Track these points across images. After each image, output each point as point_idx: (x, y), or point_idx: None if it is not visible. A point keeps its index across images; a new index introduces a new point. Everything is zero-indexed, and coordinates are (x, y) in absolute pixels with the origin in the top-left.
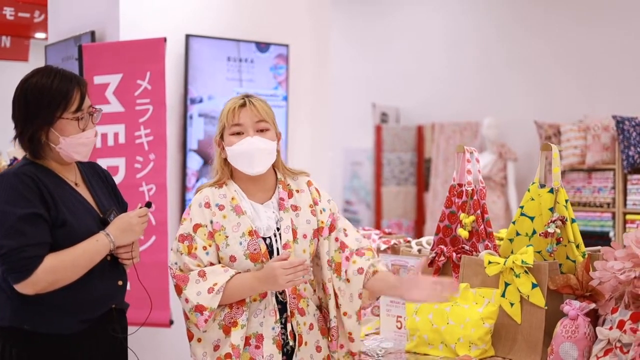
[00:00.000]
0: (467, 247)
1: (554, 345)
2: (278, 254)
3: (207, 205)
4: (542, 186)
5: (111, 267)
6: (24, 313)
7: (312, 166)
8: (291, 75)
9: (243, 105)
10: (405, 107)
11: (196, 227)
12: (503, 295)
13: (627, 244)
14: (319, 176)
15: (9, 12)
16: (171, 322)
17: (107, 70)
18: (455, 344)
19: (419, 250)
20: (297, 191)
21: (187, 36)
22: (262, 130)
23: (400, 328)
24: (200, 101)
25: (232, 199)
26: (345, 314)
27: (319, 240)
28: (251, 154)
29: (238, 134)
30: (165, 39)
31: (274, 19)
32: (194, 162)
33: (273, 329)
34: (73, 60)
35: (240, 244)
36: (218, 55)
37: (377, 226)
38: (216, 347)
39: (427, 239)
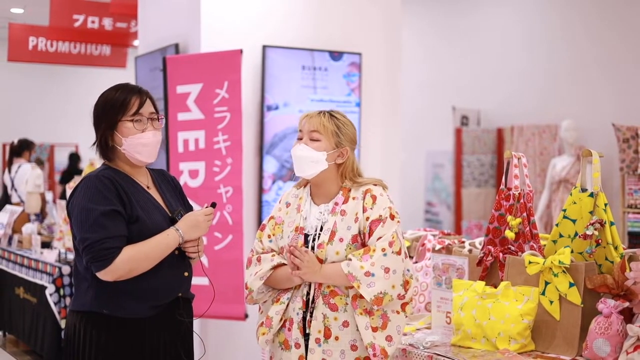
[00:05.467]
0: (513, 248)
1: (588, 341)
2: (313, 250)
3: (281, 201)
4: (584, 190)
5: (178, 260)
6: (103, 299)
7: (384, 169)
8: (364, 82)
9: (307, 115)
10: (486, 109)
11: (270, 218)
12: (543, 294)
13: None
14: (391, 179)
15: (107, 22)
16: (246, 316)
17: (188, 80)
18: (495, 338)
19: (470, 251)
20: (353, 198)
21: (264, 47)
22: (314, 140)
23: (449, 323)
24: (276, 108)
25: (300, 198)
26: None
27: (363, 244)
28: (295, 159)
29: (300, 139)
30: (241, 51)
31: (346, 29)
32: (271, 165)
33: (297, 314)
34: (158, 71)
35: (288, 237)
36: (293, 65)
37: (457, 227)
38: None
39: (480, 239)
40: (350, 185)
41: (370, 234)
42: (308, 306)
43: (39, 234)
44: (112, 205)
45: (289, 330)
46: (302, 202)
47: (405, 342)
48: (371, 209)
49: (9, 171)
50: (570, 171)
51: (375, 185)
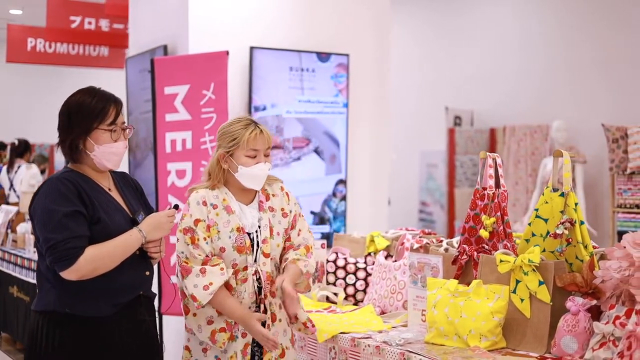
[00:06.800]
0: (486, 247)
1: (556, 338)
2: (258, 246)
3: (204, 203)
4: (555, 190)
5: (140, 260)
6: (66, 299)
7: (373, 170)
8: (351, 83)
9: (260, 132)
10: (479, 110)
11: (196, 221)
12: (514, 292)
13: (624, 245)
14: (380, 179)
15: (104, 24)
16: None
17: (175, 82)
18: (467, 335)
19: (446, 250)
20: (273, 195)
21: (251, 48)
22: (267, 156)
23: (424, 321)
24: (264, 109)
25: (224, 200)
26: None
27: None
28: (261, 176)
29: (253, 157)
30: (227, 52)
31: (334, 30)
32: None
33: (249, 307)
34: (147, 72)
35: (230, 237)
36: (280, 66)
37: (451, 227)
38: (209, 322)
39: (457, 239)
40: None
41: (292, 227)
42: (257, 299)
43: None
44: (74, 206)
45: (236, 323)
46: (229, 203)
47: (380, 340)
48: (288, 204)
49: (8, 172)
50: (560, 171)
51: (281, 182)
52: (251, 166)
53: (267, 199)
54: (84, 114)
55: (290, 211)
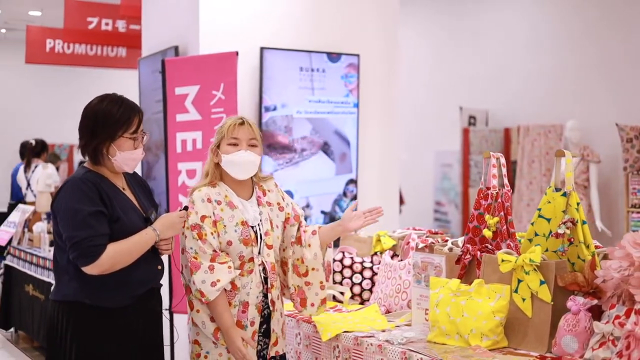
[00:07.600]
0: (490, 246)
1: (557, 337)
2: (261, 239)
3: (209, 200)
4: (557, 190)
5: (153, 255)
6: (86, 290)
7: (382, 170)
8: (362, 83)
9: (242, 123)
10: (493, 109)
11: (203, 218)
12: (516, 291)
13: (624, 245)
14: (390, 180)
15: (121, 25)
16: None
17: (186, 82)
18: (468, 334)
19: (450, 249)
20: (269, 191)
21: (262, 49)
22: (252, 146)
23: (428, 320)
24: (274, 109)
25: (225, 196)
26: (313, 269)
27: (285, 228)
28: (243, 164)
29: (234, 145)
30: (237, 53)
31: (344, 30)
32: (268, 166)
33: (257, 297)
34: (158, 73)
35: (235, 231)
36: (291, 66)
37: (465, 226)
38: (212, 319)
39: (462, 238)
40: (257, 180)
41: (297, 217)
42: (263, 289)
43: (49, 232)
44: (97, 206)
45: (243, 312)
46: (231, 199)
47: (382, 338)
48: (285, 199)
49: (25, 171)
50: (575, 171)
51: (274, 178)
52: (232, 153)
53: (264, 194)
54: (110, 122)
55: (289, 204)
